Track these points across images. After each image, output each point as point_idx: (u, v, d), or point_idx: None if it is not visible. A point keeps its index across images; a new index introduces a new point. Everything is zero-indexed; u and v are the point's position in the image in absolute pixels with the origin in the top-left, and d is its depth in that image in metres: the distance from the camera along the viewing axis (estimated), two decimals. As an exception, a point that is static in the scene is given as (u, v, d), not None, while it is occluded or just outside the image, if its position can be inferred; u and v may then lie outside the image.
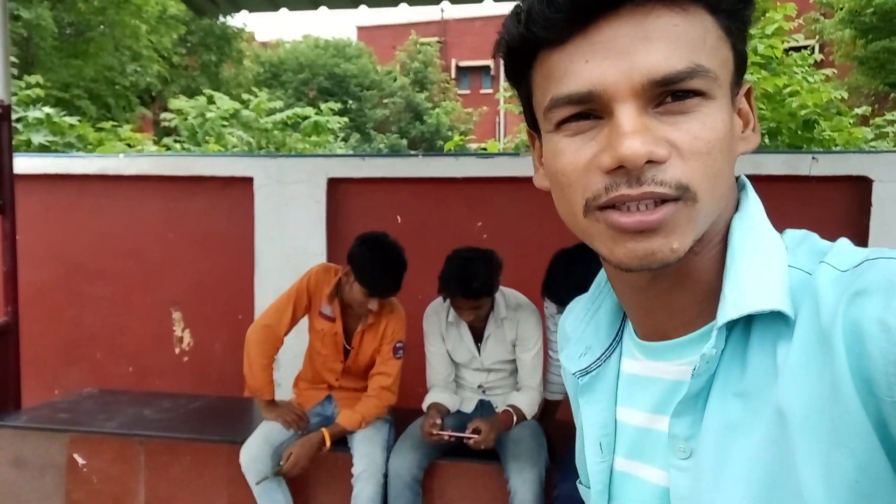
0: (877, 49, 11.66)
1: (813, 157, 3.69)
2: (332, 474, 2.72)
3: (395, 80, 24.48)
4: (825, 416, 0.53)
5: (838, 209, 3.68)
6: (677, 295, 0.65)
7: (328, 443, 2.62)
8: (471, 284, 2.53)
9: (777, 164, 3.72)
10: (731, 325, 0.61)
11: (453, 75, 28.38)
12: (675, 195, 0.57)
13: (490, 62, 27.57)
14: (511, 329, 2.74)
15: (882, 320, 0.51)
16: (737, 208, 0.66)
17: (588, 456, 0.75)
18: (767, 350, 0.59)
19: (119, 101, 15.80)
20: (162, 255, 4.34)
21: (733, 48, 0.61)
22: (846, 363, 0.52)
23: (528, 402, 2.69)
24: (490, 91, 27.84)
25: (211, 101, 10.35)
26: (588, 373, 0.75)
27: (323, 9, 4.15)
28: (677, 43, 0.57)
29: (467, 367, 2.84)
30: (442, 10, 32.23)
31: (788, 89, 6.82)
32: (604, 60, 0.57)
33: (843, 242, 0.62)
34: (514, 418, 2.63)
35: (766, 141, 6.84)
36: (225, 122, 10.27)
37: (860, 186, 3.56)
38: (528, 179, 2.98)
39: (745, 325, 0.61)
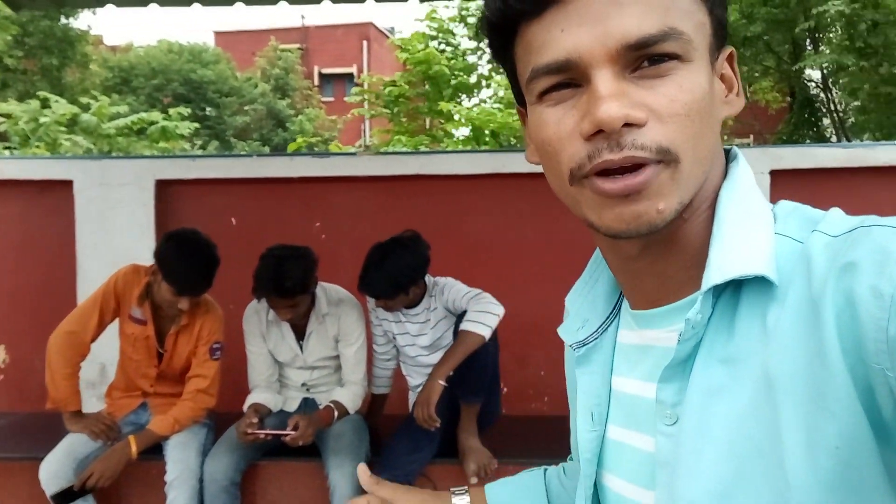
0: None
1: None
2: (146, 483, 2.60)
3: (256, 86, 23.91)
4: (811, 381, 0.54)
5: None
6: (667, 262, 0.66)
7: (134, 451, 2.49)
8: (284, 283, 2.49)
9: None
10: (718, 292, 0.62)
11: (316, 82, 28.04)
12: (656, 158, 0.57)
13: (354, 69, 27.48)
14: (333, 325, 2.72)
15: (875, 287, 0.51)
16: (726, 177, 0.66)
17: (579, 425, 0.76)
18: (755, 316, 0.60)
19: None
20: (-29, 267, 3.99)
21: (710, 13, 0.62)
22: (835, 328, 0.52)
23: (350, 397, 2.68)
24: (355, 99, 27.80)
25: (46, 104, 9.67)
26: (585, 345, 0.76)
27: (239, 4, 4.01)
28: (650, 7, 0.57)
29: (290, 365, 2.80)
30: (303, 17, 31.80)
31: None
32: (579, 28, 0.58)
33: (835, 211, 0.63)
34: (336, 413, 2.61)
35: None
36: (63, 128, 9.62)
37: None
38: (366, 179, 3.01)
39: (734, 291, 0.62)
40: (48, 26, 18.16)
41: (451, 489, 0.99)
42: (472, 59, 11.47)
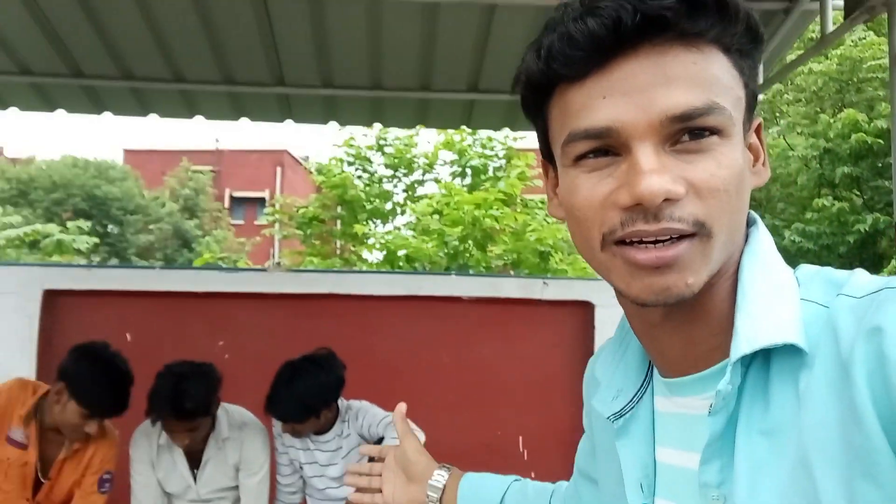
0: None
1: (544, 282, 3.95)
2: None
3: (164, 205, 23.47)
4: (849, 448, 0.52)
5: (567, 330, 3.92)
6: (691, 328, 0.65)
7: None
8: (184, 404, 2.27)
9: (513, 288, 3.92)
10: (748, 361, 0.61)
11: (227, 205, 27.82)
12: (691, 231, 0.57)
13: (266, 194, 27.50)
14: (234, 451, 2.47)
15: None
16: (746, 242, 0.66)
17: (630, 497, 0.73)
18: (788, 384, 0.59)
19: None
20: None
21: (745, 86, 0.63)
22: (868, 393, 0.52)
23: (248, 534, 2.40)
24: (265, 223, 27.68)
25: (-70, 211, 9.08)
26: (622, 415, 0.74)
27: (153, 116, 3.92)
28: (695, 81, 0.58)
29: (181, 497, 2.50)
30: (217, 140, 31.99)
31: (532, 227, 7.52)
32: (622, 97, 0.58)
33: (860, 272, 0.62)
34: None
35: (511, 270, 7.39)
36: (-55, 237, 9.02)
37: (584, 310, 3.83)
38: (276, 296, 2.82)
39: (764, 359, 0.61)
40: (-56, 135, 17.47)
41: (440, 464, 1.06)
42: (387, 186, 11.71)
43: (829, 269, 0.65)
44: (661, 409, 0.73)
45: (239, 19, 3.18)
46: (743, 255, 0.65)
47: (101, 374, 2.27)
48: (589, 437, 0.89)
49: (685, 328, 0.66)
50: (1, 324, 3.54)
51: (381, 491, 1.09)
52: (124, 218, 22.28)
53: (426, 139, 12.46)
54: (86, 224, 11.06)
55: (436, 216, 9.77)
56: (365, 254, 10.66)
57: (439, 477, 1.04)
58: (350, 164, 11.43)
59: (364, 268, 10.69)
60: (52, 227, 10.18)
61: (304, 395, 2.32)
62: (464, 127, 4.71)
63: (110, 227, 21.92)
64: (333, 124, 4.39)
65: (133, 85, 3.68)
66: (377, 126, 4.71)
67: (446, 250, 9.03)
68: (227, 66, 3.59)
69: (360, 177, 11.43)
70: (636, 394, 0.75)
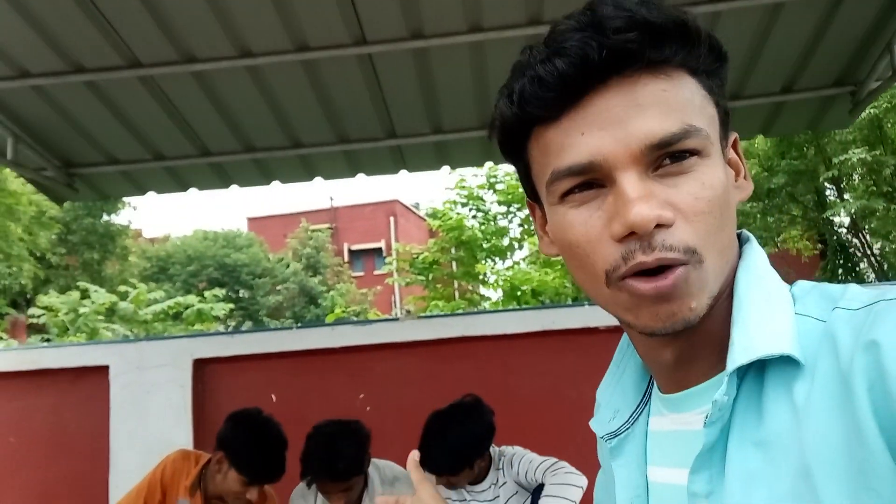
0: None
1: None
2: None
3: (288, 266, 24.49)
4: (850, 460, 0.52)
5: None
6: (692, 346, 0.66)
7: None
8: (337, 465, 2.26)
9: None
10: (742, 374, 0.61)
11: (346, 259, 28.72)
12: (683, 259, 0.58)
13: (382, 244, 28.20)
14: (389, 507, 2.43)
15: None
16: (741, 258, 0.67)
17: None
18: (782, 396, 0.59)
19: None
20: (1, 463, 3.78)
21: (716, 105, 0.65)
22: (868, 404, 0.52)
23: None
24: (384, 272, 28.33)
25: (85, 295, 9.85)
26: (616, 435, 0.75)
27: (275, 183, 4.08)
28: (668, 107, 0.59)
29: (340, 556, 2.47)
30: (331, 199, 33.23)
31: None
32: (600, 131, 0.59)
33: (853, 286, 0.62)
34: None
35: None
36: (101, 317, 9.72)
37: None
38: (409, 344, 2.79)
39: (758, 372, 0.61)
40: (90, 223, 19.02)
41: None
42: (502, 222, 11.70)
43: (825, 284, 0.65)
44: (656, 428, 0.73)
45: (347, 77, 3.26)
46: (738, 271, 0.66)
47: (257, 441, 2.31)
48: (604, 470, 0.88)
49: (687, 346, 0.66)
50: (158, 395, 3.72)
51: None
52: (253, 282, 23.39)
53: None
54: (220, 292, 11.66)
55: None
56: (488, 292, 10.63)
57: None
58: (464, 205, 11.51)
59: (487, 306, 10.64)
60: (192, 298, 10.82)
61: (457, 446, 2.26)
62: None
63: (242, 293, 23.05)
64: (445, 168, 4.41)
65: (255, 157, 3.83)
66: (488, 164, 4.68)
67: (571, 281, 8.83)
68: (341, 125, 3.68)
69: (474, 216, 11.49)
70: (632, 414, 0.75)
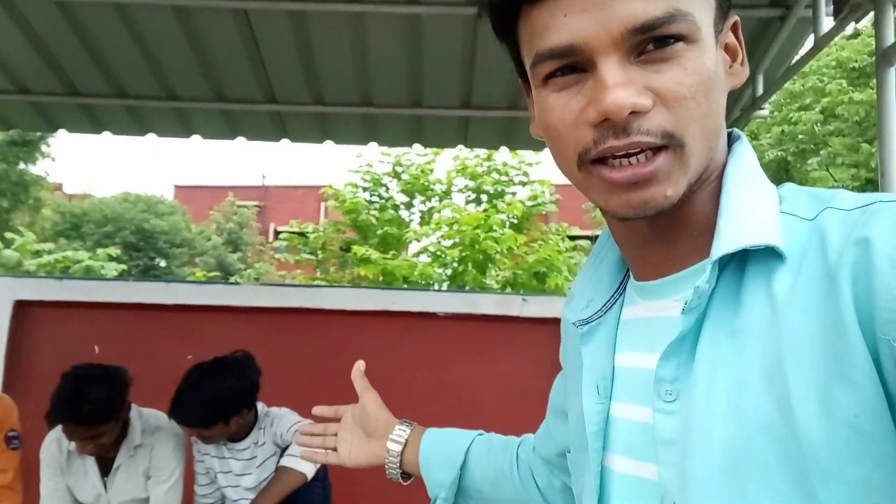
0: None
1: (523, 299, 3.78)
2: None
3: (209, 239, 23.90)
4: (827, 351, 0.53)
5: (547, 348, 3.72)
6: (673, 232, 0.66)
7: None
8: (82, 407, 2.11)
9: (490, 304, 3.76)
10: (723, 264, 0.61)
11: (271, 239, 28.23)
12: (661, 143, 0.57)
13: (310, 228, 27.79)
14: (145, 458, 2.34)
15: (892, 257, 0.51)
16: (730, 153, 0.67)
17: (585, 400, 0.73)
18: (761, 289, 0.59)
19: None
20: None
21: None
22: (851, 299, 0.52)
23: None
24: (281, 245, 27.91)
25: (-33, 238, 9.39)
26: (588, 322, 0.75)
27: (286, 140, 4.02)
28: None
29: (92, 505, 2.38)
30: (263, 177, 32.60)
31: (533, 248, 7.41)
32: (582, 13, 0.57)
33: (845, 192, 0.62)
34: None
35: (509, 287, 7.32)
36: (-20, 263, 9.28)
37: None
38: (246, 309, 2.71)
39: (739, 263, 0.61)
40: (3, 170, 18.14)
41: (401, 420, 1.05)
42: (403, 213, 11.59)
43: (814, 188, 0.64)
44: (628, 317, 0.73)
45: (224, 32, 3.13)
46: (728, 165, 0.65)
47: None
48: (563, 374, 0.90)
49: (667, 234, 0.66)
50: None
51: (335, 450, 1.08)
52: (171, 251, 22.75)
53: (443, 166, 12.34)
54: (114, 250, 11.25)
55: (449, 241, 9.64)
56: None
57: (400, 432, 1.03)
58: (365, 189, 11.39)
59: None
60: (83, 254, 10.38)
61: (209, 399, 2.19)
62: (461, 146, 4.60)
63: (157, 260, 22.40)
64: (329, 143, 4.35)
65: (176, 105, 3.69)
66: (373, 144, 4.64)
67: (447, 272, 8.89)
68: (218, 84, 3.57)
69: (371, 202, 11.37)
70: (605, 303, 0.75)
